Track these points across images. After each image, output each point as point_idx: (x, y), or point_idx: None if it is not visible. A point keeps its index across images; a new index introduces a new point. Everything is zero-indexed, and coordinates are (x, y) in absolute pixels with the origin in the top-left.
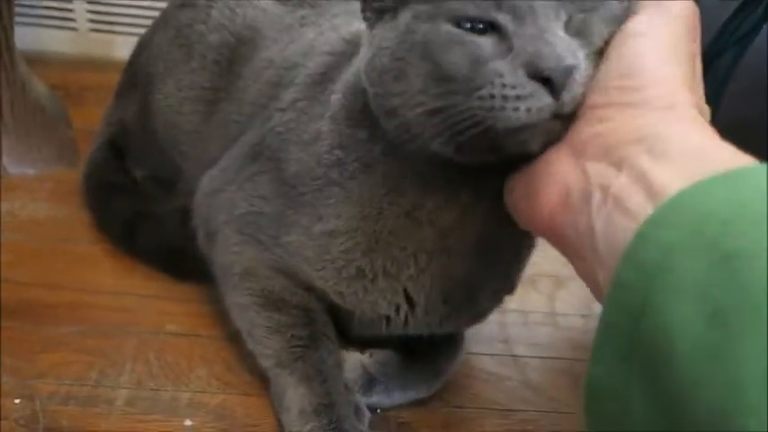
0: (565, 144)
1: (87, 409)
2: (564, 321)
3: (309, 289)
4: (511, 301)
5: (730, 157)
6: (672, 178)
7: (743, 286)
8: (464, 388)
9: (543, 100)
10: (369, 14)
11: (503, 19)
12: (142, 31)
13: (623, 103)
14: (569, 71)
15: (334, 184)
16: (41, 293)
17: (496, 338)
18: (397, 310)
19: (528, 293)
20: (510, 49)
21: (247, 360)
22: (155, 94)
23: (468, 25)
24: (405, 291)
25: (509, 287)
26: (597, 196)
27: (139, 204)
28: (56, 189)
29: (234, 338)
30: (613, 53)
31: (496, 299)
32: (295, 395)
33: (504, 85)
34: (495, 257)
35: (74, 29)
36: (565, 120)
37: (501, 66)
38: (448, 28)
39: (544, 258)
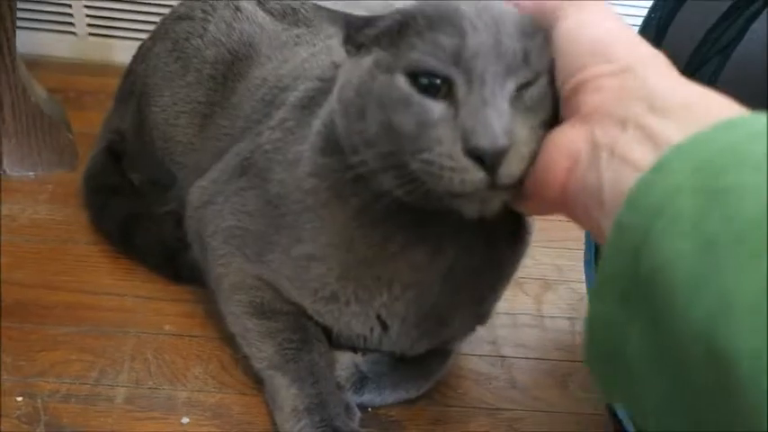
0: (570, 118)
1: (88, 407)
2: (551, 323)
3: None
4: (499, 304)
5: (726, 107)
6: (675, 131)
7: (731, 217)
8: (452, 387)
9: (476, 175)
10: (349, 47)
11: (457, 78)
12: (141, 36)
13: (609, 72)
14: (502, 152)
15: (309, 210)
16: (41, 294)
17: (485, 339)
18: (371, 331)
19: (516, 296)
20: (456, 116)
21: (242, 361)
22: (151, 106)
23: (425, 80)
24: (378, 316)
25: (481, 317)
26: (604, 155)
27: (136, 206)
28: (56, 191)
29: (229, 340)
30: (569, 43)
31: (468, 328)
32: (288, 395)
33: (441, 155)
34: (468, 291)
35: (73, 33)
36: (508, 188)
37: (443, 134)
38: (402, 84)
39: (532, 262)
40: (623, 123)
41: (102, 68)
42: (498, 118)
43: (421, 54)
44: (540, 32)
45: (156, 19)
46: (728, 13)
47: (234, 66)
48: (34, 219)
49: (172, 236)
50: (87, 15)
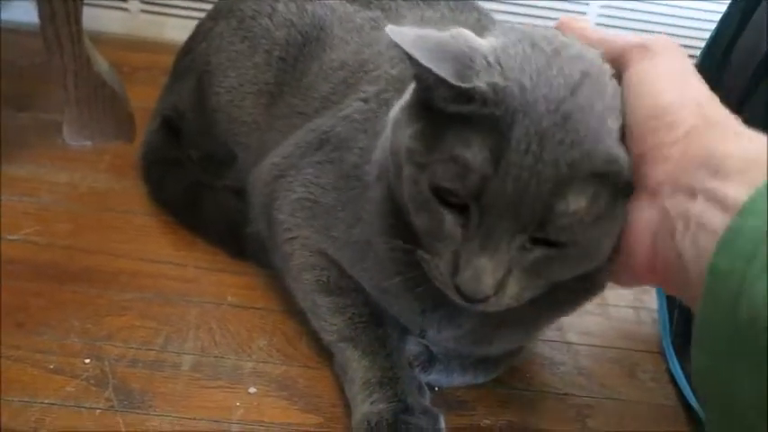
0: (640, 192)
1: (154, 373)
2: (615, 312)
3: None
4: None
5: None
6: (741, 190)
7: None
8: (519, 371)
9: (459, 299)
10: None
11: (473, 210)
12: (192, 14)
13: (672, 141)
14: (482, 300)
15: (373, 188)
16: (103, 261)
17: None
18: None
19: None
20: (463, 237)
21: (306, 335)
22: (214, 87)
23: (446, 195)
24: (420, 316)
25: (533, 336)
26: (680, 226)
27: (198, 178)
28: (114, 162)
29: (292, 313)
30: (631, 104)
31: (518, 343)
32: (359, 367)
33: (437, 266)
34: (511, 325)
35: (126, 10)
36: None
37: (445, 249)
38: (425, 188)
39: None
40: (691, 193)
41: (153, 45)
42: (490, 272)
43: (447, 175)
44: (584, 180)
45: None
46: None
47: (305, 48)
48: (94, 188)
49: (235, 209)
50: None
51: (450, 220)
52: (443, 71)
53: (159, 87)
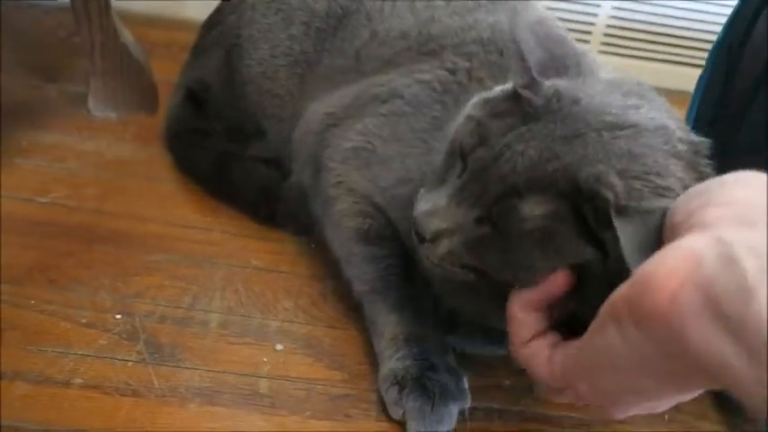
0: (684, 232)
1: (183, 329)
2: None
3: None
4: None
5: None
6: None
7: None
8: None
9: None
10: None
11: (462, 167)
12: None
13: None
14: (422, 236)
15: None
16: (131, 224)
17: None
18: None
19: None
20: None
21: (331, 296)
22: (245, 59)
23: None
24: None
25: None
26: (749, 259)
27: (227, 147)
28: (139, 132)
29: (318, 277)
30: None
31: None
32: (387, 321)
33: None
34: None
35: None
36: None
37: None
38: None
39: None
40: (764, 226)
41: (172, 23)
42: (440, 216)
43: (463, 129)
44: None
45: None
46: None
47: (345, 19)
48: (120, 156)
49: (266, 177)
50: None
51: (452, 169)
52: (530, 64)
53: (179, 63)
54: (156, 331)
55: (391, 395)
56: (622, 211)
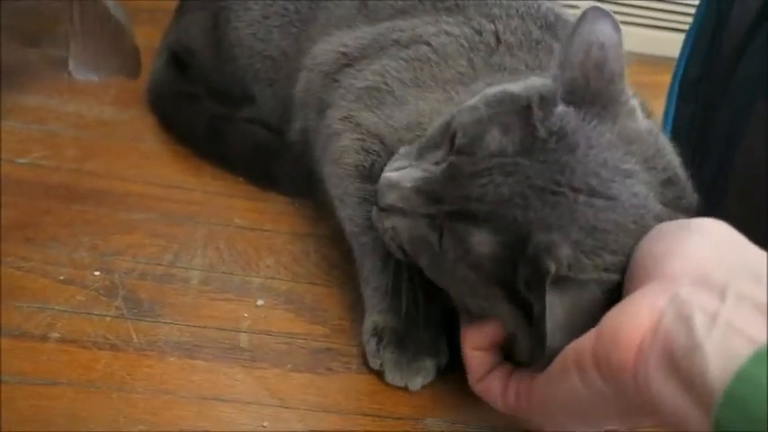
0: (646, 281)
1: (164, 285)
2: None
3: None
4: None
5: None
6: None
7: None
8: None
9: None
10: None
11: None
12: None
13: (694, 240)
14: (380, 200)
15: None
16: (111, 183)
17: None
18: None
19: None
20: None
21: (313, 253)
22: (233, 22)
23: None
24: None
25: None
26: (700, 317)
27: (219, 109)
28: (120, 95)
29: (300, 235)
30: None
31: None
32: (374, 267)
33: None
34: None
35: None
36: None
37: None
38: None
39: None
40: (721, 291)
41: None
42: (406, 186)
43: (462, 117)
44: None
45: None
46: None
47: None
48: (101, 118)
49: (263, 139)
50: None
51: (435, 150)
52: (563, 79)
53: (162, 28)
54: (135, 287)
55: (371, 346)
56: (558, 281)
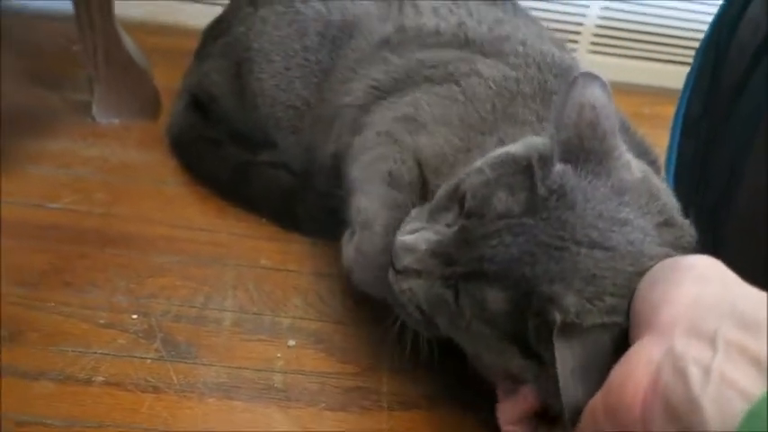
0: (645, 332)
1: (198, 327)
2: None
3: None
4: None
5: None
6: None
7: None
8: None
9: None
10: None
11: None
12: None
13: (681, 281)
14: (396, 262)
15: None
16: (140, 227)
17: None
18: None
19: None
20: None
21: (339, 293)
22: (256, 73)
23: None
24: None
25: None
26: (695, 371)
27: (245, 155)
28: (142, 137)
29: (324, 275)
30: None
31: None
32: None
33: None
34: None
35: None
36: None
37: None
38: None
39: None
40: (711, 340)
41: (170, 29)
42: (420, 250)
43: (472, 180)
44: None
45: None
46: None
47: (360, 24)
48: (125, 161)
49: (287, 183)
50: None
51: (447, 212)
52: (559, 139)
53: (178, 68)
54: (172, 330)
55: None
56: (565, 329)
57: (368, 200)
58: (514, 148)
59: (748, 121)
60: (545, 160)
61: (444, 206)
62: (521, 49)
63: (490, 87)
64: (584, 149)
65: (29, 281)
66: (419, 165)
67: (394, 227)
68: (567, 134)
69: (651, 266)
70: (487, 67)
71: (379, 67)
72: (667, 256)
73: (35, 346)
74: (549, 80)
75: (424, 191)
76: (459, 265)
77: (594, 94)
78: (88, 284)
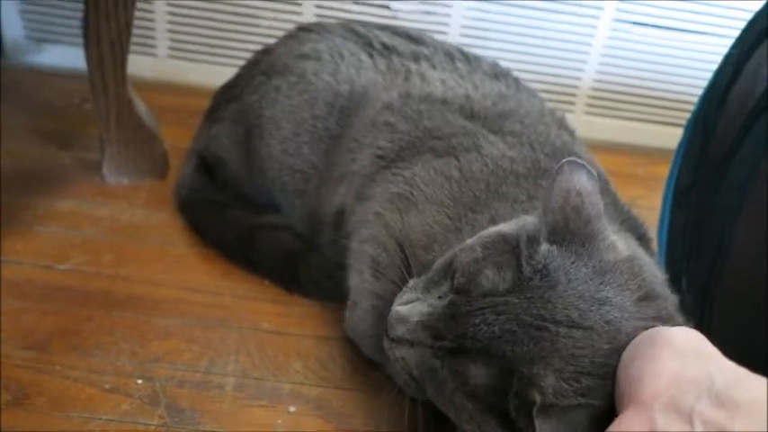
0: (629, 403)
1: (202, 393)
2: None
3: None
4: None
5: None
6: (748, 428)
7: None
8: None
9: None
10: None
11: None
12: (216, 59)
13: (663, 356)
14: (391, 330)
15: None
16: (146, 289)
17: None
18: None
19: None
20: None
21: (338, 358)
22: (266, 139)
23: None
24: None
25: None
26: None
27: (251, 218)
28: (150, 197)
29: (324, 339)
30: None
31: None
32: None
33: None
34: None
35: (154, 55)
36: None
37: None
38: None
39: None
40: (689, 417)
41: (179, 89)
42: (414, 320)
43: (463, 257)
44: None
45: (231, 44)
46: None
47: (368, 94)
48: (133, 221)
49: (291, 245)
50: (169, 39)
51: (439, 285)
52: (546, 221)
53: (186, 127)
54: (175, 395)
55: None
56: (544, 408)
57: (356, 280)
58: (507, 227)
59: (737, 190)
60: (532, 240)
61: (438, 280)
62: (518, 127)
63: (486, 165)
64: (570, 231)
65: (36, 343)
66: (401, 247)
67: (376, 312)
68: (553, 217)
69: (628, 342)
70: (488, 143)
71: (384, 134)
72: (645, 329)
73: (42, 411)
74: (542, 159)
75: (410, 268)
76: (447, 340)
77: (581, 181)
78: (94, 347)
